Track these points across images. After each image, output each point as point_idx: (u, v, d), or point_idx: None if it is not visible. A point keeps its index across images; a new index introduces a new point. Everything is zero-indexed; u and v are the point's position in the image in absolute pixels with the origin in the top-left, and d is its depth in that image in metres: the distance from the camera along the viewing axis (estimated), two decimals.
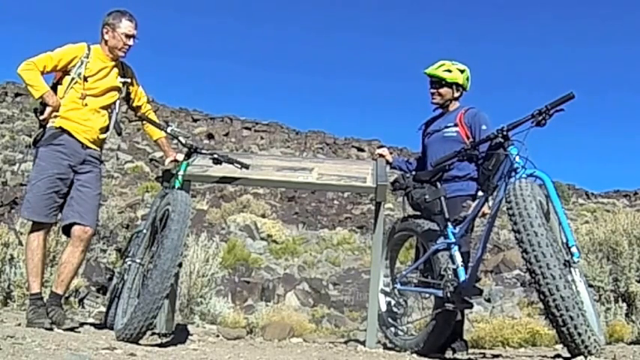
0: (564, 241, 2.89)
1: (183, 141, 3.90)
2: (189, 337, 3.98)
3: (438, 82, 4.06)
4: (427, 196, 3.65)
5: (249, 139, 42.25)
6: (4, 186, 15.84)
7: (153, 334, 3.83)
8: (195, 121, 43.98)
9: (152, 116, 4.19)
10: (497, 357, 3.83)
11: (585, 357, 2.72)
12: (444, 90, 4.06)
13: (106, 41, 3.86)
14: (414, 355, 3.50)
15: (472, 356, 3.82)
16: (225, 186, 18.11)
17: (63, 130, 3.73)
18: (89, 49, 3.84)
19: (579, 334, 2.68)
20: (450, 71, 4.03)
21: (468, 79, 4.10)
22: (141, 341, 3.20)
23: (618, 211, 9.43)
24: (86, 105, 3.78)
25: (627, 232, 5.53)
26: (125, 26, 3.86)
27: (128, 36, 3.86)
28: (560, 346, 3.62)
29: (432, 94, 4.11)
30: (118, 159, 24.06)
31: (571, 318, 2.66)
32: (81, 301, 5.66)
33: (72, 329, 3.53)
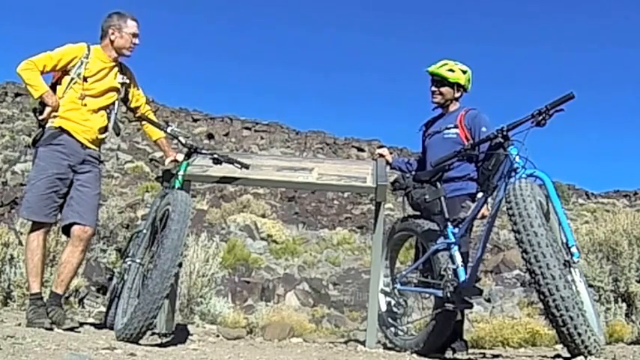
0: (564, 241, 2.89)
1: (183, 141, 3.90)
2: (189, 337, 3.98)
3: (439, 81, 4.06)
4: (427, 196, 3.65)
5: (249, 139, 42.27)
6: (4, 186, 15.84)
7: (153, 334, 3.82)
8: (195, 121, 43.99)
9: (152, 117, 4.19)
10: (497, 357, 3.83)
11: (585, 357, 2.72)
12: (445, 89, 4.06)
13: (112, 42, 3.87)
14: (414, 355, 3.49)
15: (472, 356, 3.82)
16: (225, 186, 18.11)
17: (62, 130, 3.73)
18: (89, 50, 3.84)
19: (579, 334, 2.68)
20: (452, 71, 4.03)
21: (469, 80, 4.10)
22: (141, 341, 3.20)
23: (618, 211, 9.43)
24: (85, 105, 3.78)
25: (627, 232, 5.54)
26: (131, 26, 3.90)
27: (135, 35, 3.90)
28: (560, 346, 3.62)
29: (433, 92, 4.11)
30: (118, 159, 24.06)
31: (571, 318, 2.66)
32: (81, 301, 5.65)
33: (72, 329, 3.53)
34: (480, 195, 3.60)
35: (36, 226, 3.71)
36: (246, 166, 4.00)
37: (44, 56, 3.72)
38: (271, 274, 9.89)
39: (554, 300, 2.67)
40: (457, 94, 4.09)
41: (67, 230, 3.75)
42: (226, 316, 5.61)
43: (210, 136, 39.62)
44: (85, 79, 3.78)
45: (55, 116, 3.73)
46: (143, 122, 4.17)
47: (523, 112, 3.30)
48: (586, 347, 2.71)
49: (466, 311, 4.08)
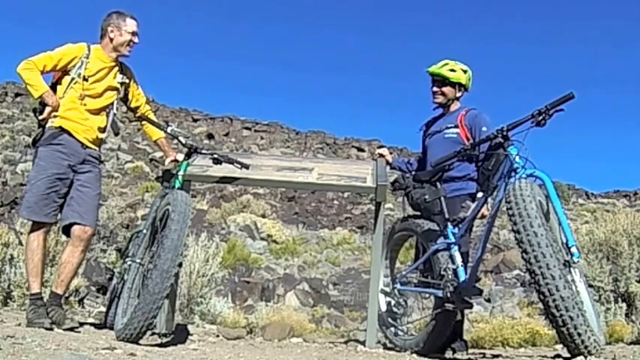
0: (564, 241, 2.89)
1: (183, 141, 3.90)
2: (189, 337, 3.98)
3: (441, 81, 4.06)
4: (427, 196, 3.65)
5: (249, 139, 42.26)
6: (4, 186, 15.83)
7: (153, 334, 3.82)
8: (195, 121, 43.98)
9: (152, 117, 4.19)
10: (497, 357, 3.83)
11: (585, 357, 2.72)
12: (446, 89, 4.06)
13: (111, 40, 3.88)
14: (414, 355, 3.49)
15: (472, 356, 3.82)
16: (225, 186, 18.11)
17: (62, 130, 3.73)
18: (89, 50, 3.84)
19: (579, 334, 2.68)
20: (453, 70, 4.03)
21: (470, 79, 4.10)
22: (141, 341, 3.20)
23: (618, 211, 9.43)
24: (85, 105, 3.78)
25: (627, 232, 5.53)
26: (131, 24, 3.91)
27: (134, 33, 3.91)
28: (560, 346, 3.62)
29: (435, 92, 4.11)
30: (118, 159, 24.05)
31: (571, 318, 2.66)
32: (81, 301, 5.66)
33: (72, 329, 3.53)
34: (480, 195, 3.60)
35: (36, 226, 3.70)
36: (246, 166, 4.00)
37: (44, 56, 3.72)
38: (271, 274, 9.89)
39: (554, 300, 2.67)
40: (458, 94, 4.09)
41: (67, 230, 3.75)
42: (226, 316, 5.61)
43: (210, 136, 39.59)
44: (85, 79, 3.78)
45: (55, 116, 3.73)
46: (143, 122, 4.17)
47: (523, 112, 3.30)
48: (586, 347, 2.71)
49: (466, 311, 4.08)
